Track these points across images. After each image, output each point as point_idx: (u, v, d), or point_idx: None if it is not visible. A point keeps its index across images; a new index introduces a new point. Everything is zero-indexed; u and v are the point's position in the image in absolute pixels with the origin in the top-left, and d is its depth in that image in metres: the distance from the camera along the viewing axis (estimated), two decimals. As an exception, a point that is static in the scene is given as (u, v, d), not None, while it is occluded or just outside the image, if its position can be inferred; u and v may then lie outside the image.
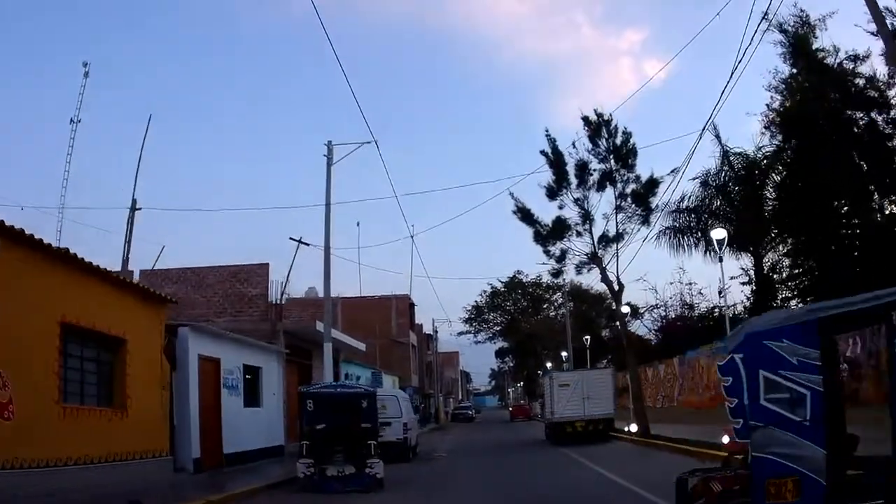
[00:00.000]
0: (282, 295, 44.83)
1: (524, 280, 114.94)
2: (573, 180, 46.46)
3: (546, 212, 48.23)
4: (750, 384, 9.99)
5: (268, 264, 45.87)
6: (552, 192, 46.96)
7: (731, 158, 48.50)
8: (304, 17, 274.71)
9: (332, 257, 37.84)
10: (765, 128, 45.85)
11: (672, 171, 42.73)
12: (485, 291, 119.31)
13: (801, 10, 41.80)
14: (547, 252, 48.54)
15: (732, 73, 27.91)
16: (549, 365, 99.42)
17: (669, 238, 50.39)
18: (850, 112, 40.51)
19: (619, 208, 45.76)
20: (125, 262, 36.80)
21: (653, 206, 45.64)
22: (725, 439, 27.36)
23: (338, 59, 61.19)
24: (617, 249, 46.04)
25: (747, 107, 53.67)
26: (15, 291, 18.74)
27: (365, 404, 27.22)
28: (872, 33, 35.88)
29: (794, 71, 43.27)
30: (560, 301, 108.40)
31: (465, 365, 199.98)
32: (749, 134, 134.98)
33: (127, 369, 24.10)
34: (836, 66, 41.40)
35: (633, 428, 43.84)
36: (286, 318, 45.79)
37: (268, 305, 44.48)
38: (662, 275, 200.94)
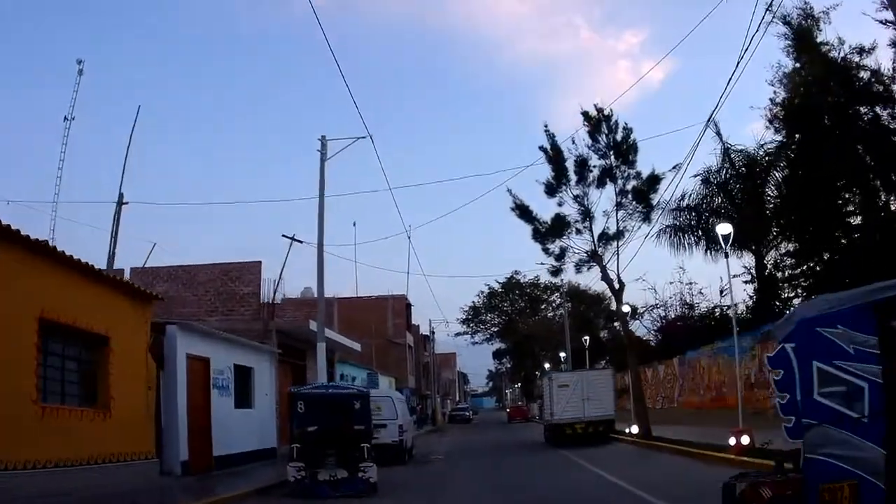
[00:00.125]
0: (274, 293, 44.15)
1: (522, 280, 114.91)
2: (573, 177, 45.65)
3: (545, 210, 47.33)
4: (803, 377, 9.07)
5: (260, 262, 45.22)
6: (551, 189, 46.06)
7: (732, 156, 48.38)
8: (303, 16, 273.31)
9: (327, 256, 37.08)
10: (768, 121, 45.34)
11: (674, 168, 41.92)
12: (482, 292, 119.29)
13: (805, 2, 41.32)
14: (546, 250, 47.65)
15: (737, 66, 27.27)
16: (547, 366, 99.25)
17: (670, 236, 50.60)
18: (854, 107, 39.81)
19: (619, 205, 44.80)
20: (111, 257, 36.12)
21: (654, 203, 44.84)
22: (732, 441, 26.72)
23: (333, 55, 60.32)
24: (617, 247, 45.18)
25: (748, 108, 53.12)
26: (-11, 285, 17.77)
27: (358, 406, 26.19)
28: (882, 22, 35.25)
29: (798, 65, 42.69)
30: (558, 302, 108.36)
31: (462, 366, 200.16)
32: (750, 134, 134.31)
33: (110, 368, 23.12)
34: (840, 59, 40.82)
35: (634, 429, 42.79)
36: (280, 318, 44.99)
37: (260, 304, 43.61)
38: (662, 274, 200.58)
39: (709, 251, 50.16)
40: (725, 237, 31.30)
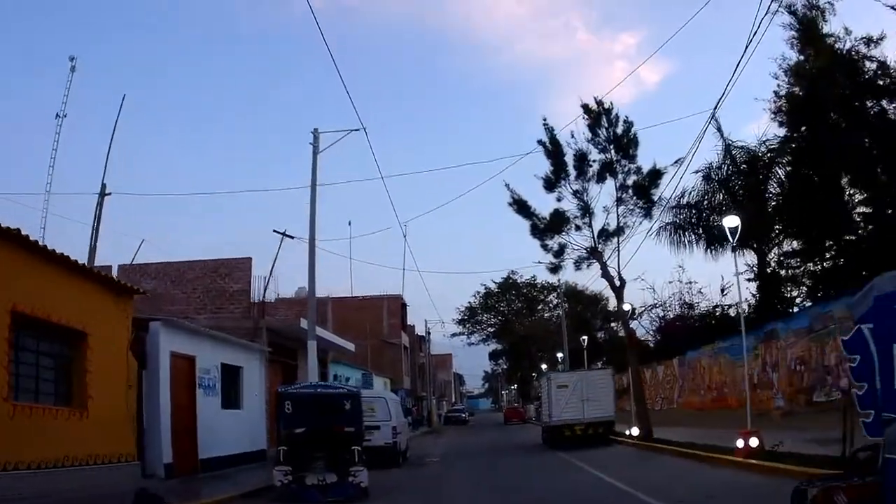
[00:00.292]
0: (265, 290, 43.16)
1: (518, 281, 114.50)
2: (572, 171, 44.71)
3: (544, 206, 46.56)
4: (882, 364, 7.86)
5: (250, 258, 44.01)
6: (550, 184, 45.11)
7: (734, 152, 47.99)
8: (302, 14, 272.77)
9: (321, 254, 36.13)
10: (773, 113, 44.77)
11: (676, 162, 41.22)
12: (478, 292, 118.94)
13: (811, -9, 40.28)
14: (545, 246, 46.58)
15: (743, 55, 27.01)
16: (544, 367, 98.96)
17: (670, 234, 50.52)
18: (860, 100, 39.08)
19: (619, 201, 43.85)
20: (92, 250, 35.17)
21: (655, 198, 44.02)
22: (740, 443, 25.56)
23: (328, 48, 59.38)
24: (618, 244, 44.22)
25: (753, 101, 52.25)
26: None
27: (348, 406, 24.96)
28: (893, 7, 34.39)
29: (802, 58, 42.04)
30: (555, 302, 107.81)
31: (458, 367, 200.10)
32: (751, 133, 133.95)
33: (87, 366, 21.93)
34: (846, 51, 40.19)
35: (635, 431, 41.95)
36: (271, 317, 43.93)
37: (250, 302, 42.53)
38: (661, 274, 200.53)
39: (709, 249, 50.29)
40: (733, 230, 30.10)
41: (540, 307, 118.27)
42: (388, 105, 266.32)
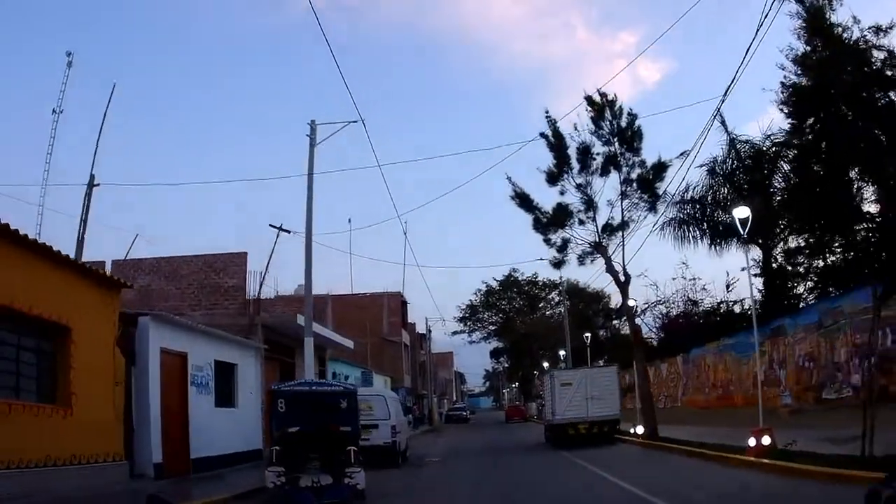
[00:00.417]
0: (260, 286, 42.16)
1: (520, 278, 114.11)
2: (575, 165, 43.98)
3: (547, 201, 45.69)
4: None
5: (246, 253, 43.11)
6: (552, 177, 44.35)
7: (738, 146, 47.48)
8: (300, 13, 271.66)
9: (321, 252, 35.38)
10: (782, 104, 43.73)
11: (682, 154, 40.17)
12: (479, 290, 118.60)
13: (818, -21, 39.75)
14: (547, 241, 45.83)
15: (750, 46, 26.29)
16: (545, 365, 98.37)
17: (674, 229, 49.59)
18: (868, 91, 38.40)
19: (623, 195, 43.11)
20: (80, 242, 34.31)
21: (660, 192, 43.28)
22: (752, 442, 24.65)
23: (326, 39, 58.52)
24: (623, 238, 43.38)
25: (753, 107, 51.91)
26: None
27: (344, 404, 23.84)
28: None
29: (809, 48, 41.42)
30: (557, 300, 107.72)
31: (459, 365, 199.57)
32: (755, 131, 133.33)
33: (71, 361, 21.13)
34: (854, 41, 39.48)
35: (640, 430, 41.37)
36: (268, 313, 43.09)
37: (246, 298, 41.69)
38: (664, 270, 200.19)
39: (713, 245, 49.64)
40: (742, 221, 29.28)
41: (541, 305, 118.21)
42: (385, 105, 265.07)
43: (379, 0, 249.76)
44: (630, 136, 42.71)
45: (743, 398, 44.91)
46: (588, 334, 77.24)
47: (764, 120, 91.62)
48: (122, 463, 23.56)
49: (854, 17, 38.97)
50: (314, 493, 21.67)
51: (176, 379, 29.02)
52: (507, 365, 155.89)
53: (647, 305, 70.94)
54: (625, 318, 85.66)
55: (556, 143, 44.04)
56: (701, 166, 47.95)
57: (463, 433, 78.93)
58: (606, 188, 44.51)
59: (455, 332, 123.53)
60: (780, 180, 46.82)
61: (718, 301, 60.49)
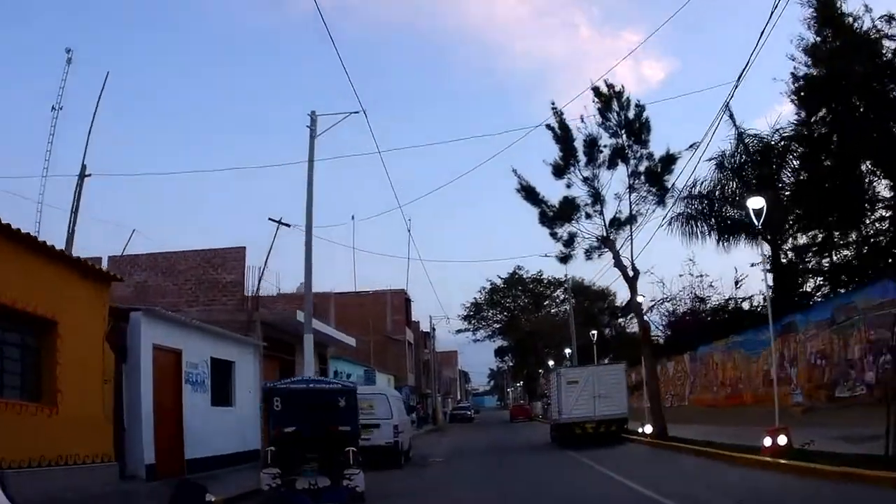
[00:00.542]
0: (259, 281, 41.37)
1: (524, 276, 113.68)
2: (582, 157, 43.23)
3: (553, 194, 45.02)
4: None
5: (244, 248, 42.44)
6: (559, 170, 43.56)
7: (746, 141, 46.89)
8: (301, 8, 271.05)
9: (325, 249, 34.62)
10: (792, 94, 43.29)
11: (691, 147, 39.56)
12: (484, 288, 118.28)
13: (828, -33, 39.36)
14: (554, 235, 44.93)
15: (761, 36, 26.02)
16: (551, 363, 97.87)
17: (682, 225, 49.03)
18: (880, 82, 37.76)
19: (631, 188, 42.44)
20: (70, 235, 33.56)
21: (668, 185, 42.63)
22: (767, 442, 23.72)
23: (329, 32, 57.62)
24: (631, 232, 42.75)
25: (760, 103, 51.63)
26: None
27: (343, 403, 22.82)
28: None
29: (819, 39, 41.00)
30: (562, 298, 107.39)
31: (463, 364, 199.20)
32: (763, 126, 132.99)
33: (58, 357, 20.15)
34: (865, 31, 39.10)
35: (649, 429, 40.36)
36: (269, 311, 42.31)
37: (244, 294, 40.93)
38: (670, 268, 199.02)
39: (721, 241, 49.16)
40: (757, 212, 28.37)
41: (546, 303, 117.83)
42: (386, 104, 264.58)
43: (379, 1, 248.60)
44: (638, 128, 42.01)
45: (752, 396, 44.47)
46: (595, 332, 76.59)
47: (772, 116, 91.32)
48: (111, 464, 22.61)
49: (866, 6, 38.64)
50: (311, 496, 20.77)
51: (169, 376, 28.15)
52: (511, 364, 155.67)
53: (653, 303, 70.26)
54: (631, 315, 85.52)
55: (563, 135, 43.34)
56: (710, 160, 47.24)
57: (467, 433, 78.20)
58: (614, 181, 43.66)
59: (459, 331, 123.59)
60: (789, 175, 46.28)
61: (726, 298, 59.90)
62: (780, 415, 27.60)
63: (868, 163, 39.93)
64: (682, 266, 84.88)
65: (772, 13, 24.92)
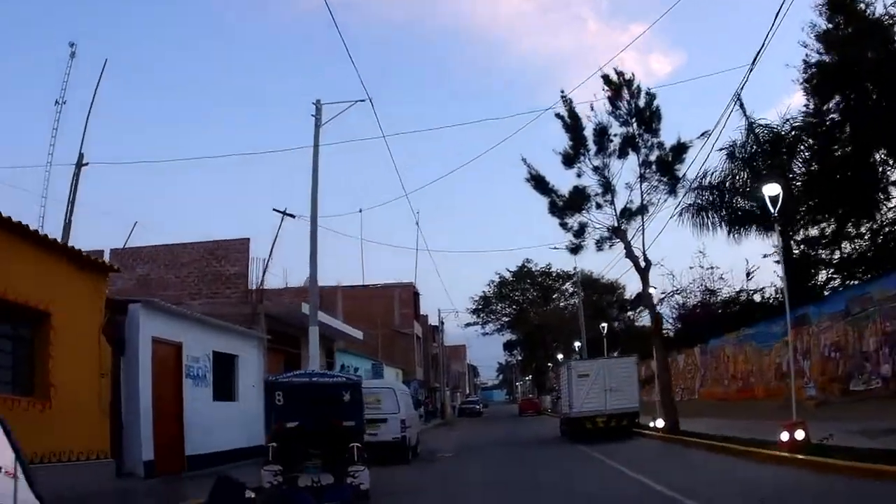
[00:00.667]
0: (263, 273, 40.83)
1: (533, 269, 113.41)
2: (592, 146, 42.82)
3: (563, 184, 44.57)
4: None
5: (248, 239, 41.85)
6: (568, 159, 43.15)
7: (757, 131, 46.59)
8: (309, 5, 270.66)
9: (332, 243, 34.05)
10: (804, 82, 43.17)
11: (703, 135, 39.05)
12: (493, 281, 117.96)
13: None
14: (564, 225, 44.60)
15: (774, 22, 25.62)
16: (560, 357, 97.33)
17: (692, 216, 48.82)
18: (892, 69, 37.15)
19: (642, 177, 42.04)
20: (67, 225, 33.04)
21: (680, 175, 42.17)
22: (784, 436, 22.98)
23: (335, 23, 56.88)
24: (643, 222, 42.36)
25: (770, 94, 51.51)
26: None
27: (348, 397, 21.97)
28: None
29: (831, 26, 40.92)
30: (571, 291, 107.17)
31: (472, 358, 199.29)
32: (775, 117, 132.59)
33: (51, 350, 19.52)
34: (877, 17, 38.77)
35: (660, 423, 39.88)
36: (274, 303, 41.70)
37: (248, 286, 40.32)
38: (681, 260, 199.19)
39: (732, 233, 49.01)
40: (773, 199, 27.65)
41: (555, 296, 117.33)
42: (394, 101, 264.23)
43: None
44: (648, 117, 41.55)
45: (764, 390, 44.27)
46: (605, 324, 76.37)
47: (781, 108, 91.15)
48: (108, 461, 21.96)
49: (881, -14, 37.97)
50: (313, 494, 19.94)
51: (169, 370, 27.51)
52: (520, 357, 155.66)
53: (663, 295, 69.99)
54: (640, 309, 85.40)
55: (572, 124, 42.96)
56: (721, 150, 46.74)
57: (476, 427, 77.93)
58: (624, 171, 43.50)
59: (468, 324, 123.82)
60: (800, 165, 46.09)
61: (737, 290, 60.24)
62: (791, 410, 27.08)
63: (882, 151, 39.55)
64: (692, 258, 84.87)
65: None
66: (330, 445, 20.98)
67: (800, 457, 21.43)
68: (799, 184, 44.82)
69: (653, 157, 41.70)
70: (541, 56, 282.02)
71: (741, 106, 43.72)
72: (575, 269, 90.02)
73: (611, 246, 44.38)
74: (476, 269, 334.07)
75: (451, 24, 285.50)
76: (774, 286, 52.85)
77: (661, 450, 33.68)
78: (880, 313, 31.98)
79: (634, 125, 41.81)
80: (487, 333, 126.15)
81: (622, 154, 42.24)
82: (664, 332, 58.88)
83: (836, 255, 45.24)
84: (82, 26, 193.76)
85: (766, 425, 27.30)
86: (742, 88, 34.12)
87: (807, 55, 41.82)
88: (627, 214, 42.51)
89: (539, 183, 43.97)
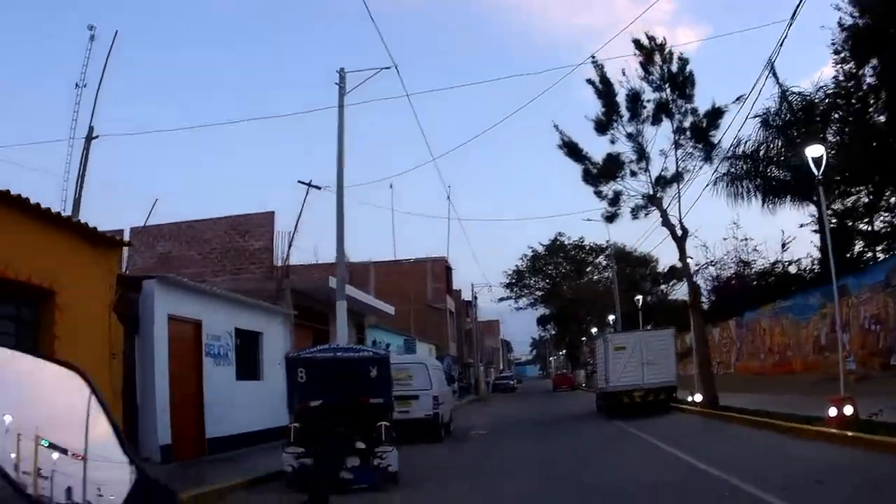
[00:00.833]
0: (289, 247, 39.65)
1: (566, 243, 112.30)
2: (625, 113, 42.02)
3: (596, 153, 43.77)
4: None
5: (272, 213, 40.62)
6: (601, 126, 42.42)
7: (790, 99, 46.19)
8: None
9: (363, 218, 33.20)
10: (840, 44, 42.71)
11: (738, 99, 38.25)
12: (525, 255, 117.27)
13: None
14: (598, 193, 43.91)
15: None
16: (594, 331, 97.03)
17: (726, 185, 48.64)
18: None
19: (677, 144, 41.26)
20: (77, 201, 32.16)
21: (714, 141, 41.30)
22: (832, 412, 21.75)
23: None
24: (678, 190, 41.40)
25: (805, 65, 50.95)
26: None
27: (375, 373, 20.95)
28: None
29: None
30: (603, 264, 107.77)
31: (505, 334, 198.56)
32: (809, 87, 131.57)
33: (56, 330, 18.24)
34: None
35: (698, 398, 39.16)
36: (302, 279, 40.79)
37: (273, 262, 39.27)
38: (714, 231, 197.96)
39: (766, 203, 48.74)
40: (817, 161, 26.49)
41: (588, 269, 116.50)
42: (419, 75, 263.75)
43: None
44: (682, 82, 40.80)
45: (802, 363, 43.72)
46: (640, 297, 75.43)
47: (814, 79, 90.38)
48: (119, 445, 20.79)
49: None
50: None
51: (188, 349, 26.45)
52: (553, 332, 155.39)
53: (697, 267, 69.26)
54: (673, 282, 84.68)
55: (604, 90, 42.15)
56: (755, 117, 45.64)
57: (510, 403, 77.49)
58: (658, 137, 42.57)
59: (501, 299, 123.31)
60: (834, 133, 45.34)
61: (773, 262, 60.03)
62: (831, 383, 26.33)
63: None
64: (725, 230, 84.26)
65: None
66: (356, 425, 19.90)
67: (849, 434, 20.49)
68: (833, 152, 43.81)
69: (687, 124, 40.98)
70: (570, 31, 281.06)
71: (774, 73, 42.85)
72: (608, 241, 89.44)
73: (646, 214, 43.58)
74: (508, 244, 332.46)
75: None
76: (811, 257, 52.37)
77: (702, 426, 32.78)
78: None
79: (668, 90, 41.02)
80: (521, 308, 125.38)
81: (656, 120, 41.49)
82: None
83: (874, 224, 44.44)
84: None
85: (806, 400, 26.95)
86: (778, 54, 33.27)
87: (841, 18, 41.48)
88: (662, 182, 41.77)
89: (572, 150, 43.19)
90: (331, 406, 20.16)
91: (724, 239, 70.92)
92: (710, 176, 44.80)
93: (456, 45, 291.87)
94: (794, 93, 46.20)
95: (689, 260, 44.03)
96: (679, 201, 41.30)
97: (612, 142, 42.51)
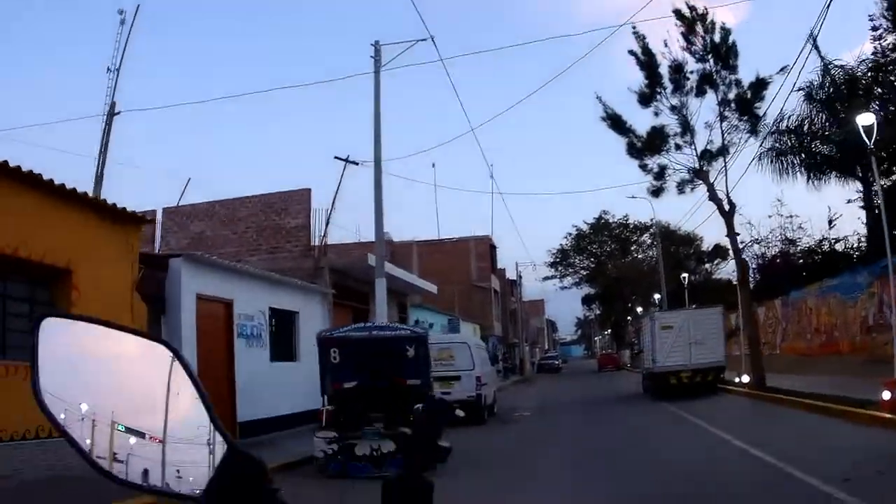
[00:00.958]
0: (326, 224, 38.86)
1: (610, 221, 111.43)
2: (668, 84, 41.28)
3: (639, 125, 43.08)
4: None
5: (309, 190, 39.84)
6: (645, 98, 41.65)
7: (833, 72, 45.27)
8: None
9: (405, 197, 32.31)
10: (886, 12, 41.90)
11: (782, 70, 37.92)
12: (570, 234, 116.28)
13: None
14: (643, 167, 43.13)
15: None
16: (639, 310, 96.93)
17: (771, 161, 47.94)
18: None
19: (722, 116, 40.51)
20: (98, 178, 31.44)
21: (759, 114, 40.52)
22: (886, 395, 20.63)
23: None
24: (725, 163, 40.60)
25: (846, 40, 50.56)
26: None
27: (412, 352, 20.09)
28: None
29: None
30: (648, 242, 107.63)
31: (550, 313, 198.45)
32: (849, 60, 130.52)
33: (74, 311, 17.34)
34: None
35: (745, 379, 38.55)
36: (338, 255, 40.08)
37: (310, 239, 38.53)
38: (756, 208, 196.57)
39: (811, 179, 48.13)
40: (867, 129, 25.57)
41: (633, 248, 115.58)
42: (457, 45, 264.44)
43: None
44: (725, 52, 39.98)
45: (849, 344, 42.68)
46: (686, 274, 74.64)
47: (855, 54, 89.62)
48: (143, 431, 20.01)
49: None
50: (373, 464, 17.90)
51: (218, 330, 25.82)
52: (598, 312, 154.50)
53: (742, 245, 68.20)
54: (717, 261, 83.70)
55: (646, 61, 41.33)
56: (799, 90, 44.64)
57: (555, 383, 77.00)
58: (703, 110, 41.72)
59: (546, 278, 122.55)
60: (877, 107, 43.30)
61: (819, 239, 58.87)
62: (879, 366, 25.47)
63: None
64: (769, 207, 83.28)
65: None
66: (392, 408, 19.11)
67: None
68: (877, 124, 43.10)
69: (731, 95, 40.26)
70: (611, 8, 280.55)
71: (816, 47, 41.90)
72: (652, 219, 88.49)
73: (692, 189, 43.08)
74: (553, 220, 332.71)
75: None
76: (858, 234, 51.19)
77: (753, 409, 31.83)
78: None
79: (711, 61, 40.26)
80: (566, 287, 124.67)
81: (700, 92, 40.79)
82: (746, 282, 57.55)
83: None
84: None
85: (854, 382, 26.34)
86: (820, 29, 32.23)
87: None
88: (708, 156, 41.09)
89: (615, 122, 42.53)
90: (365, 387, 19.31)
91: (769, 216, 70.21)
92: (754, 151, 44.23)
93: (494, 18, 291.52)
94: (836, 66, 45.51)
95: (735, 236, 43.08)
96: (726, 175, 40.57)
97: (656, 114, 41.76)
